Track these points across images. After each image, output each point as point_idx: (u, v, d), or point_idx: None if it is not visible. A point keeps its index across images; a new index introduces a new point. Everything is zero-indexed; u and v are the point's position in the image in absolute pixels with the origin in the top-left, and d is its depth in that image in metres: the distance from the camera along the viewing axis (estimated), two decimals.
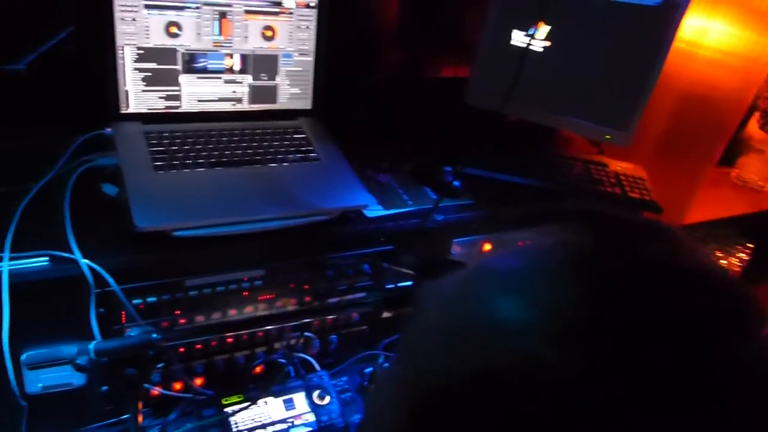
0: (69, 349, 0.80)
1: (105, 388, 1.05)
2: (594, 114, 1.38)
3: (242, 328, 1.10)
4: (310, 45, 1.24)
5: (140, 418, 0.93)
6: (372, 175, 1.28)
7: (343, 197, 1.14)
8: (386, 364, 1.29)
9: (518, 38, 1.35)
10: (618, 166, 1.48)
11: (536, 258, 0.36)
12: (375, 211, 1.18)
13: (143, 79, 1.12)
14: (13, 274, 0.88)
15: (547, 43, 1.35)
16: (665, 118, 1.54)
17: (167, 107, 1.16)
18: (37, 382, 0.96)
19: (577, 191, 1.38)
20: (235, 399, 1.12)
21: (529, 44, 1.25)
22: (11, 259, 0.88)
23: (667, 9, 1.22)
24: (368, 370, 1.27)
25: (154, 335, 0.80)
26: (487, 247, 1.33)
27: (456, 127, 1.44)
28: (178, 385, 1.12)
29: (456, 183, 1.28)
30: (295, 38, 1.22)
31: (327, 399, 1.17)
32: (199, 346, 1.08)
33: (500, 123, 1.26)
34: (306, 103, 1.28)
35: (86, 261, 0.92)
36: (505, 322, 0.31)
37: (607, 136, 1.39)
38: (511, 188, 1.37)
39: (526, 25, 1.34)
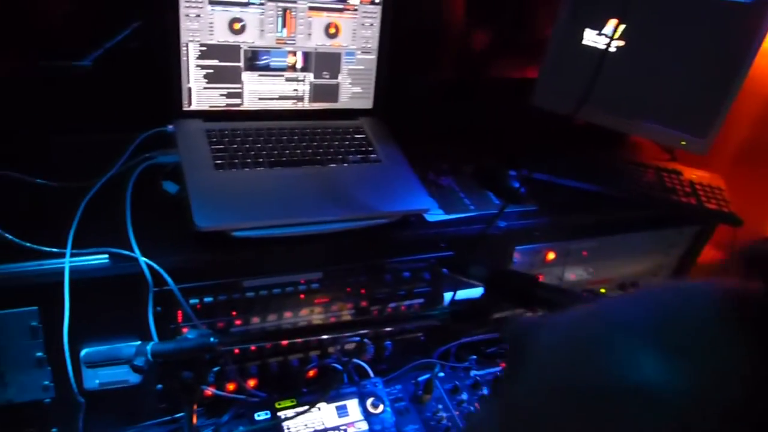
0: (126, 350, 0.79)
1: (160, 386, 1.05)
2: (669, 118, 1.30)
3: (298, 331, 1.08)
4: (374, 43, 1.21)
5: (194, 419, 0.92)
6: (433, 177, 1.24)
7: (404, 200, 1.10)
8: (442, 373, 1.25)
9: (591, 37, 1.28)
10: (693, 174, 1.39)
11: (683, 307, 0.29)
12: (436, 215, 1.15)
13: (205, 76, 1.11)
14: (73, 271, 0.87)
15: (621, 42, 1.28)
16: (748, 124, 1.44)
17: (228, 105, 1.15)
18: (95, 378, 0.97)
19: (647, 200, 1.30)
20: (288, 403, 1.10)
21: (607, 45, 1.19)
22: (72, 255, 0.88)
23: (759, 6, 1.13)
24: (422, 378, 1.24)
25: (212, 339, 0.78)
26: (551, 256, 1.28)
27: (520, 130, 1.39)
28: (231, 386, 1.11)
29: (521, 188, 1.23)
30: (358, 36, 1.19)
31: (381, 407, 1.14)
32: (253, 347, 1.06)
33: (567, 126, 1.20)
34: (367, 103, 1.25)
35: (145, 259, 0.91)
36: (655, 389, 0.25)
37: (683, 143, 1.31)
38: (578, 195, 1.31)
39: (600, 23, 1.27)
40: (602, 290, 1.42)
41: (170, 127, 1.11)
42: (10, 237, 0.88)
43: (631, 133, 1.47)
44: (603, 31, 1.27)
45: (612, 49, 1.28)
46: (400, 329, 1.21)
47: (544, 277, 1.29)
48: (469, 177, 1.28)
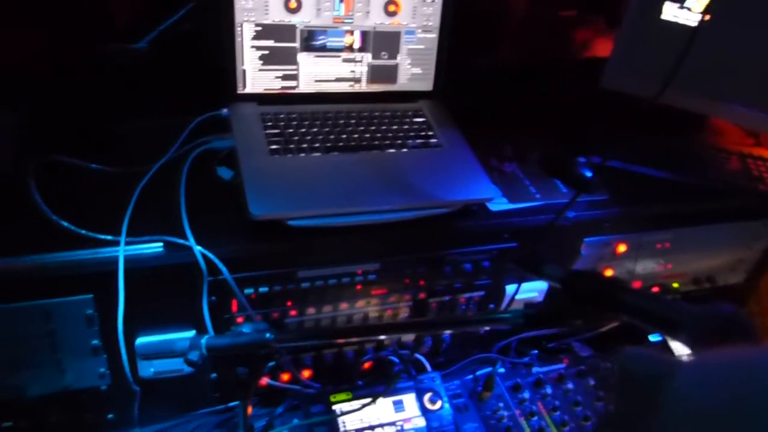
0: (180, 343, 0.76)
1: (214, 375, 1.03)
2: (758, 100, 1.18)
3: (356, 330, 1.04)
4: (435, 21, 1.14)
5: (249, 410, 0.89)
6: (496, 164, 1.18)
7: (466, 188, 1.04)
8: (502, 369, 1.20)
9: (672, 11, 1.18)
10: None
11: None
12: (500, 204, 1.08)
13: (260, 58, 1.07)
14: (128, 259, 0.86)
15: (706, 17, 1.17)
16: None
17: (284, 88, 1.10)
18: (150, 366, 0.96)
19: (732, 189, 1.20)
20: (343, 396, 1.07)
21: (700, 22, 1.09)
22: (127, 243, 0.87)
23: None
24: (481, 373, 1.19)
25: (268, 335, 0.75)
26: (622, 248, 1.19)
27: (589, 113, 1.30)
28: (285, 376, 1.09)
29: (592, 176, 1.15)
30: (419, 13, 1.12)
31: (438, 403, 1.10)
32: None
33: (643, 109, 1.11)
34: (427, 85, 1.19)
35: (200, 248, 0.89)
36: None
37: None
38: (653, 183, 1.22)
39: None
40: (675, 285, 1.33)
41: (225, 110, 1.08)
42: (66, 224, 0.87)
43: (713, 116, 1.36)
44: (686, 4, 1.16)
45: (694, 23, 1.18)
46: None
47: (614, 271, 1.21)
48: (534, 164, 1.21)
